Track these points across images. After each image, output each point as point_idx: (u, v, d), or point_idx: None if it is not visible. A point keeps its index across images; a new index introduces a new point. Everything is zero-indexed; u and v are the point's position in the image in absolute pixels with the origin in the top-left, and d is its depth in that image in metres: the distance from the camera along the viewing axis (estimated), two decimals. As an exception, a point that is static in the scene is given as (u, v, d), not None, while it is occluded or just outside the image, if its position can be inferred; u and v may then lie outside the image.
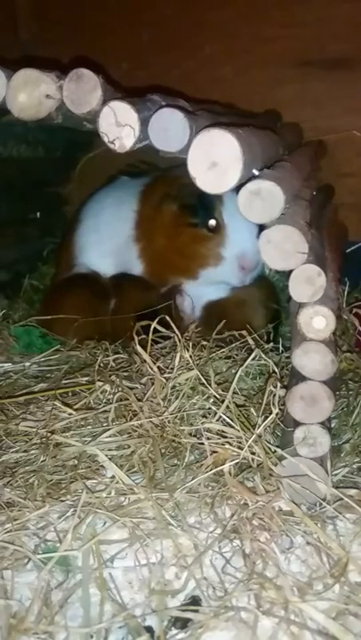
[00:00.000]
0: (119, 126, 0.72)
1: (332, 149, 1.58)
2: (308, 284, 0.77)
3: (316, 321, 0.78)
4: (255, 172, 0.79)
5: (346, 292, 1.40)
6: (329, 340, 0.80)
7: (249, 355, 1.05)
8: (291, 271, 0.77)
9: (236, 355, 1.08)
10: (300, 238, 0.76)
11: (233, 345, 1.09)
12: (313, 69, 1.63)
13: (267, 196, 0.74)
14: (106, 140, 0.72)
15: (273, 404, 0.89)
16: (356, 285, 1.46)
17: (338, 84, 1.62)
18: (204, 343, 1.10)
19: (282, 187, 0.76)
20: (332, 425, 0.96)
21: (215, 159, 0.72)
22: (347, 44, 1.61)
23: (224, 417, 0.89)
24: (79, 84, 0.71)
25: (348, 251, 1.54)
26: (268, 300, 1.31)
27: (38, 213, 1.64)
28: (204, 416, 0.92)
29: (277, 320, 1.32)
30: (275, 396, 0.90)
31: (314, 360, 0.79)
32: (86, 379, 1.05)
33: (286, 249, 0.75)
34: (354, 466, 0.89)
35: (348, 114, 1.62)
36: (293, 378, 0.82)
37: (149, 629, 0.68)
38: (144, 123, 0.73)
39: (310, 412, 0.81)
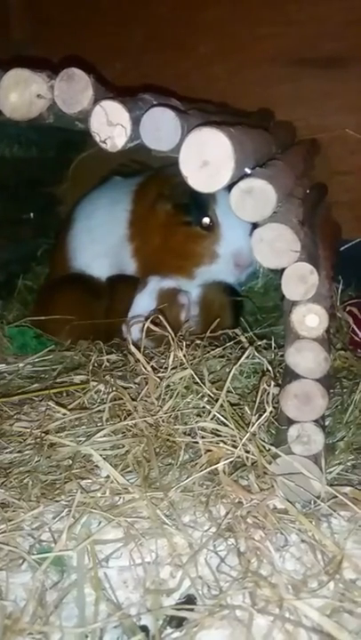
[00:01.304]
0: (111, 126, 0.72)
1: (325, 148, 1.59)
2: (301, 283, 0.77)
3: (309, 319, 0.78)
4: (247, 170, 0.79)
5: (340, 290, 1.40)
6: (322, 338, 0.80)
7: (243, 353, 1.05)
8: (283, 269, 0.77)
9: (230, 353, 1.08)
10: (292, 237, 0.76)
11: (228, 344, 1.09)
12: (306, 68, 1.63)
13: (259, 195, 0.74)
14: (97, 139, 0.72)
15: (267, 403, 0.89)
16: (350, 283, 1.46)
17: (331, 82, 1.62)
18: (198, 342, 1.10)
19: (274, 185, 0.76)
20: (327, 423, 0.96)
21: (207, 158, 0.72)
22: (340, 43, 1.61)
23: (218, 415, 0.89)
24: (70, 83, 0.71)
25: (342, 249, 1.54)
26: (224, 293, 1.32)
27: (32, 214, 1.63)
28: (198, 415, 0.92)
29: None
30: (269, 394, 0.90)
31: (307, 358, 0.79)
32: (80, 378, 1.05)
33: (279, 247, 0.76)
34: (348, 463, 0.89)
35: (342, 112, 1.62)
36: (287, 376, 0.82)
37: (145, 629, 0.68)
38: (136, 122, 0.73)
39: (304, 410, 0.81)
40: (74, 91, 0.71)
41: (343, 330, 1.28)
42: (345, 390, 1.06)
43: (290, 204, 0.89)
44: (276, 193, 0.76)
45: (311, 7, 1.61)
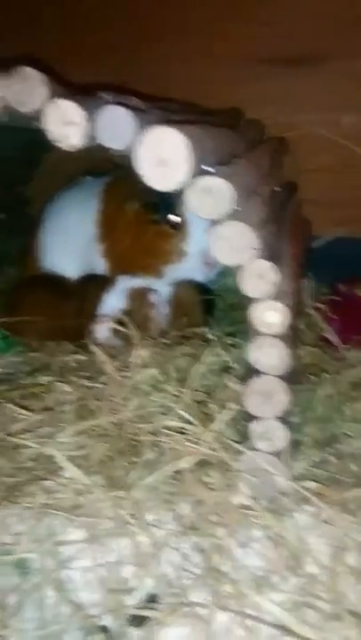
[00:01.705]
0: (65, 124, 0.72)
1: (294, 146, 1.59)
2: (260, 280, 0.77)
3: (270, 315, 0.78)
4: (205, 168, 0.79)
5: (312, 288, 1.41)
6: (284, 335, 0.81)
7: (210, 351, 1.05)
8: (242, 267, 0.77)
9: (198, 352, 1.07)
10: (251, 234, 0.76)
11: (195, 342, 1.09)
12: (274, 67, 1.64)
13: (216, 193, 0.74)
14: (52, 138, 0.72)
15: (231, 400, 0.89)
16: (322, 280, 1.47)
17: (299, 80, 1.63)
18: (165, 341, 1.10)
19: (233, 183, 0.77)
20: (294, 419, 0.96)
21: (163, 156, 0.72)
22: (307, 42, 1.62)
23: (183, 414, 0.89)
24: (23, 82, 0.71)
25: (314, 246, 1.55)
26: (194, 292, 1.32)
27: (2, 214, 1.62)
28: (163, 414, 0.92)
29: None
30: (233, 391, 0.90)
31: (268, 354, 0.79)
32: (47, 379, 1.04)
33: (237, 245, 0.76)
34: (314, 459, 0.89)
35: (310, 110, 1.63)
36: (249, 373, 0.82)
37: (106, 629, 0.68)
38: (91, 120, 0.73)
39: (267, 407, 0.81)
40: (27, 90, 0.71)
41: (314, 326, 1.29)
42: (314, 387, 1.07)
43: (251, 202, 0.89)
44: (235, 191, 0.76)
45: (278, 7, 1.62)
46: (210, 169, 0.79)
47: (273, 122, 1.55)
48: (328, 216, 1.61)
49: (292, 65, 1.64)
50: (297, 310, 1.19)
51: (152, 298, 1.28)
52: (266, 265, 0.77)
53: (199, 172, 0.76)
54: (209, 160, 0.83)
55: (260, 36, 1.63)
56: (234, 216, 0.77)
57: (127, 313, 1.23)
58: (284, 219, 1.21)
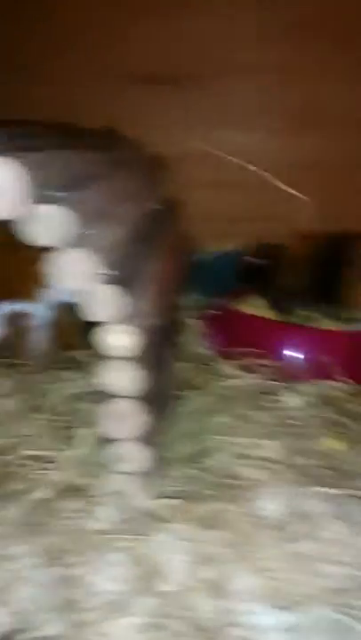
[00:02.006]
0: None
1: (179, 163, 1.62)
2: (106, 304, 0.78)
3: (118, 339, 0.79)
4: (49, 195, 0.79)
5: (191, 302, 1.44)
6: (135, 357, 0.81)
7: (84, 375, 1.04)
8: (86, 292, 0.77)
9: (69, 376, 1.07)
10: (93, 259, 0.76)
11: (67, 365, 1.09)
12: (159, 84, 1.67)
13: (53, 220, 0.75)
14: None
15: (92, 423, 0.89)
16: (203, 294, 1.50)
17: (178, 99, 1.67)
18: (38, 365, 1.09)
19: (78, 208, 0.77)
20: (163, 436, 0.97)
21: (-4, 186, 0.71)
22: (184, 61, 1.67)
23: (45, 441, 0.88)
24: None
25: (197, 261, 1.58)
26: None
27: None
28: (26, 442, 0.91)
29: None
30: (94, 415, 0.90)
31: (119, 377, 0.80)
32: None
33: (79, 270, 0.76)
34: (179, 475, 0.90)
35: (190, 128, 1.68)
36: (103, 396, 0.83)
37: None
38: None
39: (123, 429, 0.82)
40: None
41: (191, 341, 1.31)
42: (185, 404, 1.08)
43: (103, 225, 0.90)
44: (76, 216, 0.76)
45: (160, 26, 1.65)
46: (51, 195, 0.79)
47: (159, 140, 1.57)
48: (212, 231, 1.65)
49: (176, 83, 1.68)
50: (171, 327, 1.21)
51: (30, 322, 1.26)
52: (111, 289, 0.78)
53: (36, 200, 0.75)
54: (53, 186, 0.83)
55: (143, 55, 1.66)
56: (77, 241, 0.77)
57: (5, 339, 1.22)
58: (154, 237, 1.23)
